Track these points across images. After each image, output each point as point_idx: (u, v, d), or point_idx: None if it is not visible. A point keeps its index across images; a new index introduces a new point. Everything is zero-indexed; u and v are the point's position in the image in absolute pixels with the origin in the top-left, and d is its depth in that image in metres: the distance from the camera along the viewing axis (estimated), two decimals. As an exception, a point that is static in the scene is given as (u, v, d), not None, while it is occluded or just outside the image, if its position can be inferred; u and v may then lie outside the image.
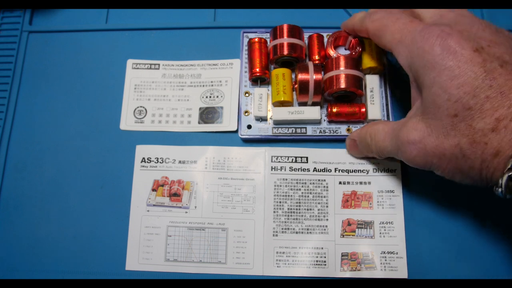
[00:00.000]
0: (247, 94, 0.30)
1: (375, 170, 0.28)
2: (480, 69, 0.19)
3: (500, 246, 0.27)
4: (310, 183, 0.28)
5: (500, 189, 0.19)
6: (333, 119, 0.28)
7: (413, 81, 0.22)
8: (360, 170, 0.28)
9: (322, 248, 0.27)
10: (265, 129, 0.29)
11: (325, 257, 0.27)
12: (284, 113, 0.28)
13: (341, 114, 0.28)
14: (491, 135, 0.18)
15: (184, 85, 0.31)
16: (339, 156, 0.29)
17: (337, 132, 0.28)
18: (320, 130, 0.28)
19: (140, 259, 0.27)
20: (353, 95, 0.28)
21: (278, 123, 0.29)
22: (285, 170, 0.28)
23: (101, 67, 0.31)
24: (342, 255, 0.27)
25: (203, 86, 0.31)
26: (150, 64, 0.31)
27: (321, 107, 0.29)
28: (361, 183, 0.28)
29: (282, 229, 0.27)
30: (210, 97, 0.30)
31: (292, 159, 0.29)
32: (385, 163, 0.28)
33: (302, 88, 0.27)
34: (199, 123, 0.30)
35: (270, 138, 0.29)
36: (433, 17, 0.22)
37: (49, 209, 0.29)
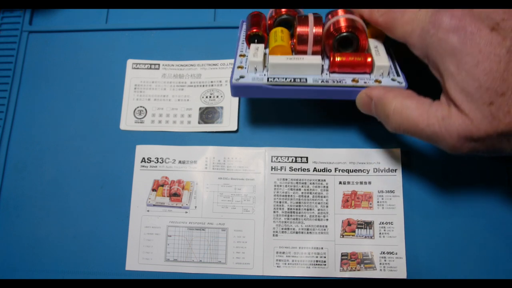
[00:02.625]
0: (242, 57, 0.27)
1: (375, 170, 0.29)
2: (503, 50, 0.18)
3: (500, 247, 0.27)
4: (310, 183, 0.29)
5: None
6: (335, 70, 0.25)
7: (433, 69, 0.22)
8: (360, 170, 0.29)
9: (322, 248, 0.27)
10: (260, 79, 0.25)
11: (325, 257, 0.27)
12: (282, 59, 0.25)
13: (345, 64, 0.25)
14: None
15: (184, 85, 0.31)
16: (339, 156, 0.29)
17: (342, 82, 0.25)
18: (323, 80, 0.25)
19: (140, 259, 0.28)
20: (356, 41, 0.25)
21: (275, 67, 0.25)
22: (285, 170, 0.29)
23: (101, 67, 0.32)
24: (342, 255, 0.27)
25: (203, 86, 0.31)
26: (150, 64, 0.32)
27: (322, 58, 0.26)
28: (361, 183, 0.28)
29: (282, 229, 0.28)
30: (210, 97, 0.31)
31: (292, 159, 0.29)
32: (386, 163, 0.28)
33: (301, 40, 0.25)
34: (199, 123, 0.30)
35: (265, 87, 0.25)
36: None
37: (49, 209, 0.29)
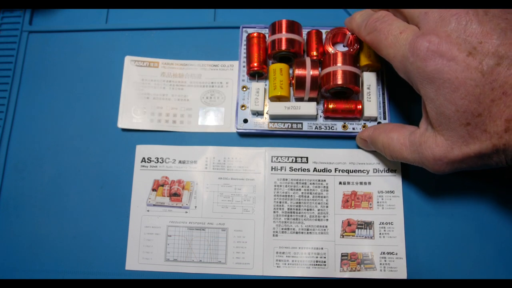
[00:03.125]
0: (244, 89, 0.30)
1: (375, 171, 0.29)
2: (478, 75, 0.19)
3: (500, 248, 0.27)
4: (310, 183, 0.29)
5: None
6: (329, 115, 0.29)
7: (416, 90, 0.23)
8: (360, 171, 0.29)
9: (322, 248, 0.28)
10: (261, 124, 0.29)
11: (325, 257, 0.27)
12: (281, 108, 0.28)
13: (338, 111, 0.28)
14: (506, 136, 0.19)
15: (184, 84, 0.31)
16: (339, 156, 0.29)
17: (333, 128, 0.29)
18: (316, 126, 0.29)
19: (140, 259, 0.28)
20: (350, 91, 0.28)
21: (274, 117, 0.29)
22: (285, 170, 0.29)
23: (101, 67, 0.32)
24: (342, 256, 0.27)
25: (204, 86, 0.31)
26: (149, 62, 0.32)
27: (318, 103, 0.29)
28: (361, 183, 0.29)
29: (282, 229, 0.28)
30: (210, 97, 0.31)
31: (292, 159, 0.29)
32: (386, 163, 0.29)
33: (299, 83, 0.28)
34: (199, 123, 0.30)
35: (266, 133, 0.29)
36: (419, 16, 0.22)
37: (49, 209, 0.29)
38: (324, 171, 0.29)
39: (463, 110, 0.20)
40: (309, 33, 0.30)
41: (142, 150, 0.30)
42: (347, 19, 0.28)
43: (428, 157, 0.22)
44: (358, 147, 0.29)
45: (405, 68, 0.22)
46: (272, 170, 0.29)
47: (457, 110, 0.20)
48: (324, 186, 0.29)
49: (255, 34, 0.30)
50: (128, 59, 0.32)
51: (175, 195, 0.29)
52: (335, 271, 0.27)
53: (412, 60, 0.21)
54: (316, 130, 0.29)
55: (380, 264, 0.27)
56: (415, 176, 0.29)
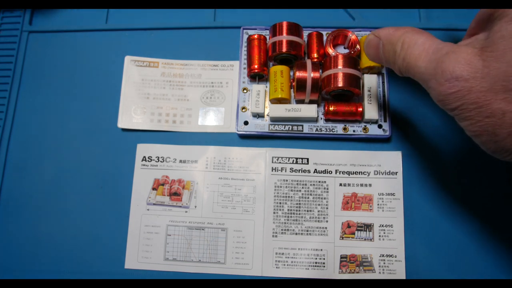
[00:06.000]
0: (245, 91, 0.31)
1: (376, 173, 0.30)
2: None
3: (500, 252, 0.28)
4: (311, 185, 0.30)
5: None
6: (330, 117, 0.30)
7: (484, 12, 0.19)
8: (361, 172, 0.30)
9: (321, 249, 0.28)
10: (262, 126, 0.30)
11: (324, 259, 0.28)
12: (281, 110, 0.29)
13: (338, 113, 0.29)
14: None
15: (184, 84, 0.32)
16: (340, 157, 0.30)
17: (333, 130, 0.30)
18: (317, 128, 0.30)
19: (139, 257, 0.29)
20: (351, 94, 0.29)
21: (274, 120, 0.30)
22: (285, 171, 0.30)
23: (101, 67, 0.33)
24: (341, 257, 0.28)
25: (204, 86, 0.32)
26: (149, 62, 0.33)
27: (319, 105, 0.30)
28: (361, 185, 0.29)
29: (282, 230, 0.29)
30: (210, 98, 0.32)
31: (293, 160, 0.30)
32: (387, 166, 0.30)
33: (300, 85, 0.29)
34: (199, 123, 0.31)
35: (266, 135, 0.30)
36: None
37: (49, 209, 0.30)
38: (325, 173, 0.30)
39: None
40: (309, 35, 0.31)
41: (143, 149, 0.31)
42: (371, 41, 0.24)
43: (446, 69, 0.18)
44: (359, 149, 0.30)
45: None
46: (272, 170, 0.30)
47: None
48: (325, 188, 0.29)
49: (255, 36, 0.31)
50: (128, 59, 0.33)
51: (175, 195, 0.30)
52: (334, 272, 0.28)
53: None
54: (317, 132, 0.30)
55: (379, 266, 0.28)
56: (416, 179, 0.30)
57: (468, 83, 0.17)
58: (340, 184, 0.30)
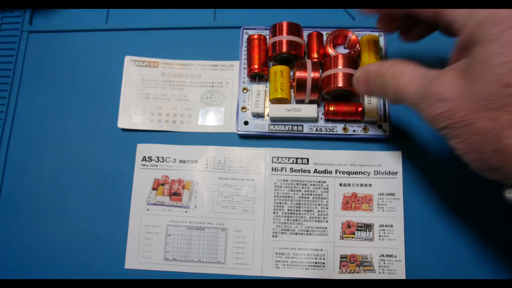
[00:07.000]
0: (245, 91, 0.32)
1: (376, 173, 0.30)
2: None
3: (499, 252, 0.28)
4: (311, 185, 0.30)
5: None
6: (330, 117, 0.30)
7: (463, 40, 0.20)
8: (361, 172, 0.30)
9: (321, 249, 0.29)
10: (262, 126, 0.31)
11: (324, 258, 0.29)
12: (281, 110, 0.30)
13: (338, 113, 0.30)
14: None
15: (184, 84, 0.33)
16: (340, 157, 0.30)
17: (333, 130, 0.30)
18: (317, 128, 0.30)
19: (139, 257, 0.29)
20: (351, 94, 0.30)
21: (274, 120, 0.31)
22: (285, 171, 0.30)
23: (101, 67, 0.33)
24: (341, 257, 0.29)
25: (204, 86, 0.33)
26: (149, 62, 0.33)
27: (319, 106, 0.31)
28: (361, 185, 0.30)
29: (282, 230, 0.29)
30: (210, 98, 0.32)
31: (293, 160, 0.30)
32: (387, 165, 0.30)
33: (300, 85, 0.29)
34: (199, 123, 0.32)
35: (266, 135, 0.31)
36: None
37: (49, 209, 0.31)
38: (325, 173, 0.30)
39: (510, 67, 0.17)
40: (309, 35, 0.32)
41: (143, 149, 0.31)
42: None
43: (433, 92, 0.19)
44: (359, 149, 0.30)
45: (470, 13, 0.19)
46: (272, 170, 0.30)
47: (505, 63, 0.17)
48: (325, 188, 0.30)
49: (255, 36, 0.31)
50: (128, 59, 0.33)
51: (175, 195, 0.30)
52: (334, 272, 0.28)
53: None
54: (317, 132, 0.30)
55: (379, 266, 0.28)
56: (416, 179, 0.30)
57: (454, 103, 0.19)
58: (340, 184, 0.30)
